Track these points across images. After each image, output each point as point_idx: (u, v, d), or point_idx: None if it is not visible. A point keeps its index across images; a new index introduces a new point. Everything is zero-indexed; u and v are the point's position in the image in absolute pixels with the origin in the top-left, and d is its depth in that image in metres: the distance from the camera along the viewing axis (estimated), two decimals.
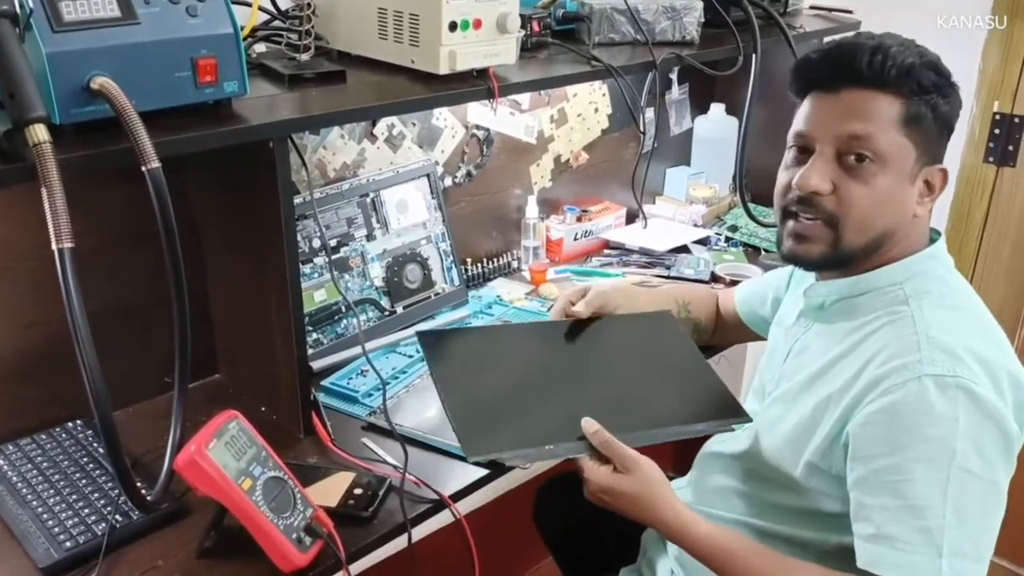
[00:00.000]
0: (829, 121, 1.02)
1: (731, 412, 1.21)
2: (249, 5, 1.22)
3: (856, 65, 1.01)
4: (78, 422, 1.29)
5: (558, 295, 1.34)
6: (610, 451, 1.07)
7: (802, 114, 1.06)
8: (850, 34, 1.08)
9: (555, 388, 1.23)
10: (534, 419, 1.17)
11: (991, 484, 0.93)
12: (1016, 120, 1.99)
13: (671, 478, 1.39)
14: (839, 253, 1.04)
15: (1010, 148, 2.01)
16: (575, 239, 1.93)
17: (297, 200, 1.36)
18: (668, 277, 1.81)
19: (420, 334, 1.29)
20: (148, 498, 1.01)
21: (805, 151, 1.05)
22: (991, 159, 2.04)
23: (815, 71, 1.05)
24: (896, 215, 1.03)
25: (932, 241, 1.08)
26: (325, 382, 1.41)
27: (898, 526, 0.92)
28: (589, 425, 1.09)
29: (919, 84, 1.00)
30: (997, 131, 2.02)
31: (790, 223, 1.07)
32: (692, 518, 1.05)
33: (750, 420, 1.19)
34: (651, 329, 1.35)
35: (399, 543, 1.13)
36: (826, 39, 1.89)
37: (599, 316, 1.33)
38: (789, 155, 1.08)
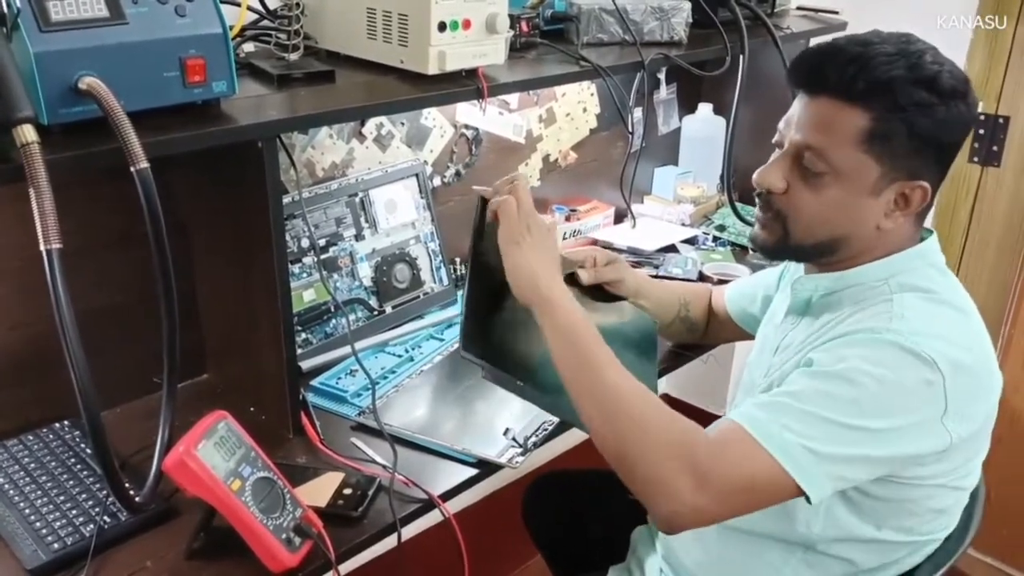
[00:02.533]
0: (797, 125, 1.03)
1: None
2: (238, 5, 1.22)
3: (827, 73, 1.00)
4: (65, 423, 1.29)
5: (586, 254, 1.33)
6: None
7: (789, 110, 1.07)
8: (861, 32, 1.04)
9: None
10: (512, 349, 1.18)
11: (873, 434, 0.91)
12: (1001, 120, 2.00)
13: None
14: (788, 247, 1.08)
15: (995, 148, 2.03)
16: (564, 238, 1.93)
17: (286, 200, 1.36)
18: (656, 276, 1.81)
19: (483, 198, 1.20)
20: (136, 499, 1.00)
21: (780, 146, 1.07)
22: (976, 159, 2.06)
23: (799, 71, 1.05)
24: (848, 225, 1.03)
25: (922, 239, 1.09)
26: (314, 382, 1.41)
27: (775, 399, 0.95)
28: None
29: (895, 102, 0.96)
30: (982, 131, 2.03)
31: (757, 209, 1.11)
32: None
33: None
34: (632, 329, 1.36)
35: (388, 543, 1.13)
36: (812, 39, 1.92)
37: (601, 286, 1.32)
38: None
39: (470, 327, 1.15)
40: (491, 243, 1.10)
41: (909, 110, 0.97)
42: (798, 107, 1.04)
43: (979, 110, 1.01)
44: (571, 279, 1.26)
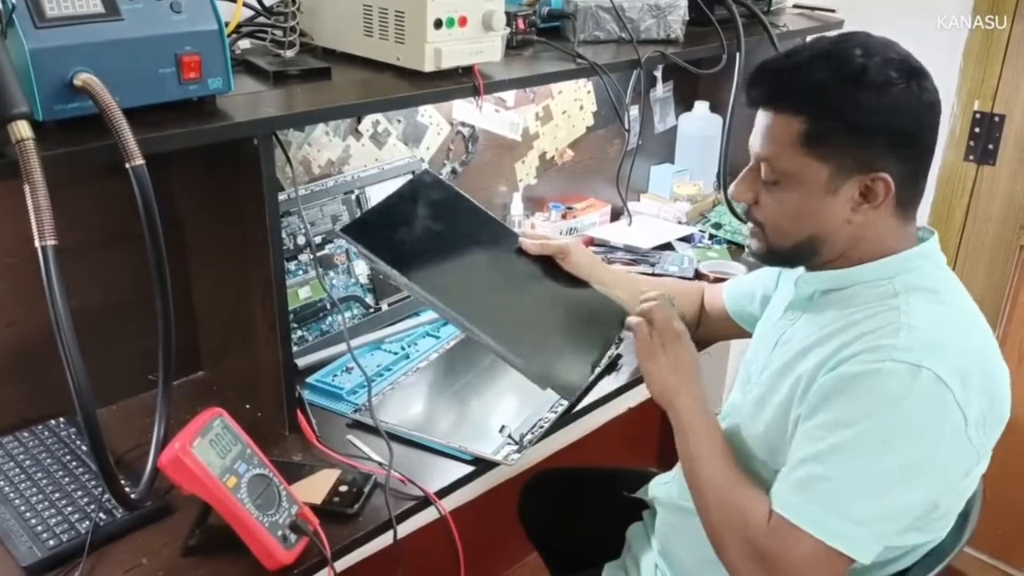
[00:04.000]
0: (752, 139, 1.08)
1: (563, 385, 1.22)
2: (234, 1, 1.22)
3: (762, 88, 1.04)
4: (61, 420, 1.28)
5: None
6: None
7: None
8: (811, 38, 1.10)
9: (479, 266, 1.32)
10: (444, 270, 1.26)
11: (912, 475, 0.94)
12: (996, 119, 2.01)
13: (654, 473, 1.41)
14: (773, 252, 1.12)
15: (990, 147, 2.03)
16: (560, 236, 1.93)
17: (282, 197, 1.36)
18: (653, 274, 1.81)
19: (420, 174, 1.36)
20: (132, 496, 1.01)
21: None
22: (971, 157, 2.06)
23: (747, 90, 1.09)
24: (815, 224, 1.05)
25: (921, 240, 1.09)
26: (310, 379, 1.41)
27: (801, 470, 0.97)
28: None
29: (823, 102, 0.99)
30: (977, 130, 2.04)
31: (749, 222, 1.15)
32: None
33: (570, 399, 1.33)
34: (600, 307, 1.36)
35: (384, 540, 1.14)
36: (808, 38, 1.92)
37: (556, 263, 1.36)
38: None
39: (374, 222, 1.27)
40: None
41: (840, 107, 0.99)
42: (755, 124, 1.09)
43: (935, 94, 1.01)
44: (521, 253, 1.34)
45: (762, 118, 1.06)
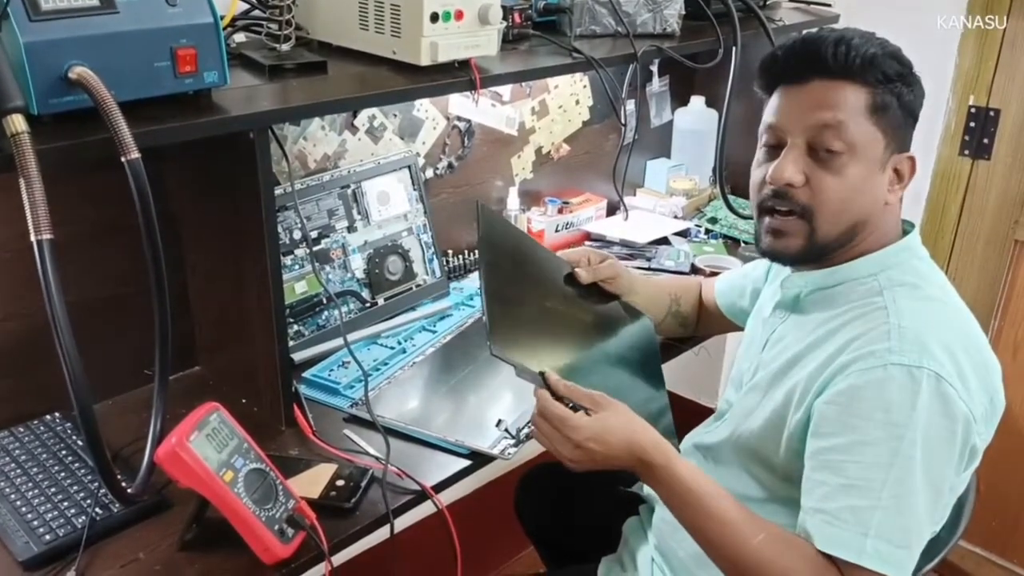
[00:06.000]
0: (800, 112, 1.04)
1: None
2: None
3: (821, 56, 1.02)
4: (56, 415, 1.28)
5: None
6: (576, 396, 1.05)
7: (772, 108, 1.08)
8: (814, 29, 1.10)
9: (555, 324, 1.25)
10: (541, 342, 1.19)
11: (933, 478, 0.94)
12: (991, 113, 2.01)
13: None
14: (815, 246, 1.06)
15: (985, 141, 2.03)
16: (556, 231, 1.93)
17: (278, 191, 1.36)
18: (649, 269, 1.82)
19: (482, 206, 1.24)
20: (129, 491, 1.00)
21: (777, 145, 1.06)
22: (966, 152, 2.06)
23: (782, 65, 1.07)
24: (868, 203, 1.05)
25: (905, 233, 1.10)
26: (306, 374, 1.41)
27: (833, 502, 0.94)
28: (551, 376, 1.05)
29: (884, 73, 1.01)
30: (972, 124, 2.04)
31: (767, 219, 1.08)
32: (671, 448, 1.04)
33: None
34: (634, 330, 1.37)
35: (381, 534, 1.14)
36: (804, 32, 1.92)
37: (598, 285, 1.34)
38: (761, 152, 1.10)
39: (498, 327, 1.11)
40: (501, 247, 1.21)
41: (895, 81, 1.02)
42: (789, 98, 1.05)
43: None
44: (570, 279, 1.30)
45: (815, 89, 1.03)
